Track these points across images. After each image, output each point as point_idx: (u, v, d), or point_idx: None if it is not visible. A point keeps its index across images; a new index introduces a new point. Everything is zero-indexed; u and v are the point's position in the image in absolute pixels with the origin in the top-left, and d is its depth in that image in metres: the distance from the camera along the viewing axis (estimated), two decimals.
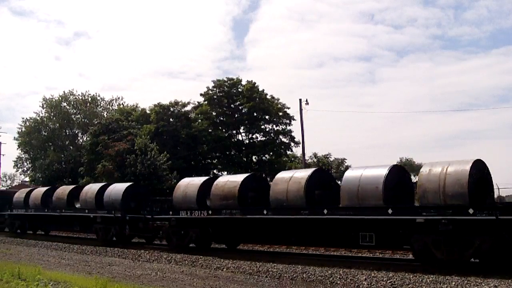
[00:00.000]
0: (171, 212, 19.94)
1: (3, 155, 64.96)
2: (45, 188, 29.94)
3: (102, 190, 24.17)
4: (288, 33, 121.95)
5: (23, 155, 62.83)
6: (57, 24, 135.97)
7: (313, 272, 13.46)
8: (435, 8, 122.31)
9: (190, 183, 20.08)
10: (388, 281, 11.97)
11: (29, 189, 32.82)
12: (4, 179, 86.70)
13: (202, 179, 20.29)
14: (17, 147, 61.57)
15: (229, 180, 18.68)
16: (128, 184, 24.26)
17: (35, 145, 60.30)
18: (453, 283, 11.24)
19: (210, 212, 18.36)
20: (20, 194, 30.73)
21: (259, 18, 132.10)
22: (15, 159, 63.34)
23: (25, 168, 63.95)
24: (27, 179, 65.66)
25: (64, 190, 27.38)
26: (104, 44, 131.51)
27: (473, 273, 12.01)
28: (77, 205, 25.77)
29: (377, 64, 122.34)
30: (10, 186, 78.18)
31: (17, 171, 68.64)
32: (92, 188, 25.41)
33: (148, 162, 36.35)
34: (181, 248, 19.22)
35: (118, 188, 23.71)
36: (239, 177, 18.67)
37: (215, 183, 18.84)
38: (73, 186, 29.06)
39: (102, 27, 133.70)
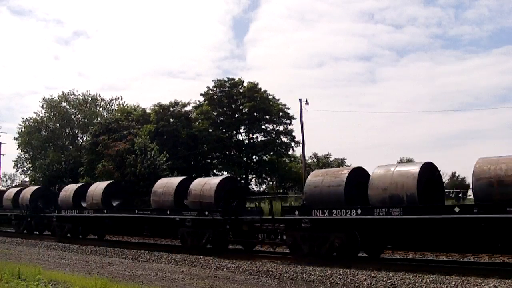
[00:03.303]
0: None
1: (3, 155, 65.07)
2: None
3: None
4: (288, 33, 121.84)
5: (23, 155, 62.86)
6: (56, 23, 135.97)
7: (313, 272, 13.45)
8: (435, 7, 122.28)
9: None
10: (388, 281, 11.97)
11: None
12: (4, 179, 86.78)
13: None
14: (17, 147, 61.61)
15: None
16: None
17: (35, 145, 60.25)
18: (453, 283, 11.24)
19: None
20: None
21: (259, 17, 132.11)
22: (15, 159, 63.43)
23: (25, 168, 63.99)
24: (27, 179, 65.69)
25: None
26: (103, 43, 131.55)
27: (473, 273, 12.01)
28: None
29: (378, 64, 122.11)
30: (9, 185, 78.08)
31: (17, 171, 68.74)
32: None
33: (148, 162, 36.35)
34: None
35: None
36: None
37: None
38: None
39: (101, 26, 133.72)
